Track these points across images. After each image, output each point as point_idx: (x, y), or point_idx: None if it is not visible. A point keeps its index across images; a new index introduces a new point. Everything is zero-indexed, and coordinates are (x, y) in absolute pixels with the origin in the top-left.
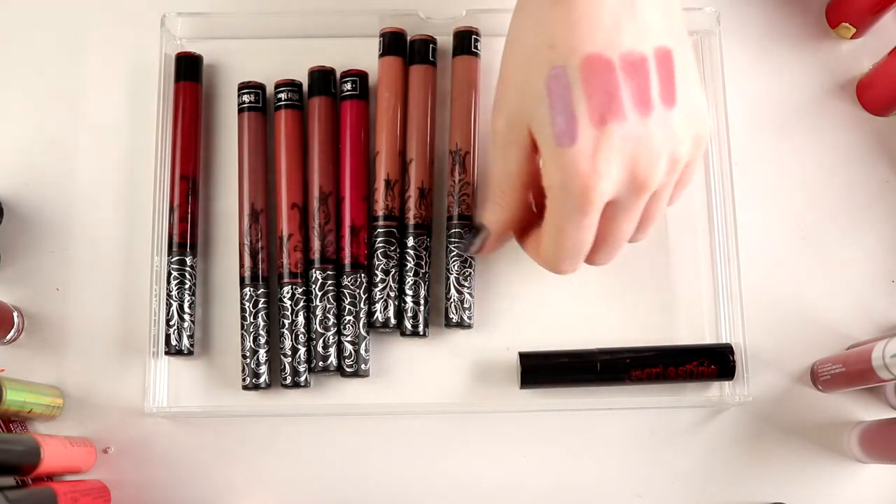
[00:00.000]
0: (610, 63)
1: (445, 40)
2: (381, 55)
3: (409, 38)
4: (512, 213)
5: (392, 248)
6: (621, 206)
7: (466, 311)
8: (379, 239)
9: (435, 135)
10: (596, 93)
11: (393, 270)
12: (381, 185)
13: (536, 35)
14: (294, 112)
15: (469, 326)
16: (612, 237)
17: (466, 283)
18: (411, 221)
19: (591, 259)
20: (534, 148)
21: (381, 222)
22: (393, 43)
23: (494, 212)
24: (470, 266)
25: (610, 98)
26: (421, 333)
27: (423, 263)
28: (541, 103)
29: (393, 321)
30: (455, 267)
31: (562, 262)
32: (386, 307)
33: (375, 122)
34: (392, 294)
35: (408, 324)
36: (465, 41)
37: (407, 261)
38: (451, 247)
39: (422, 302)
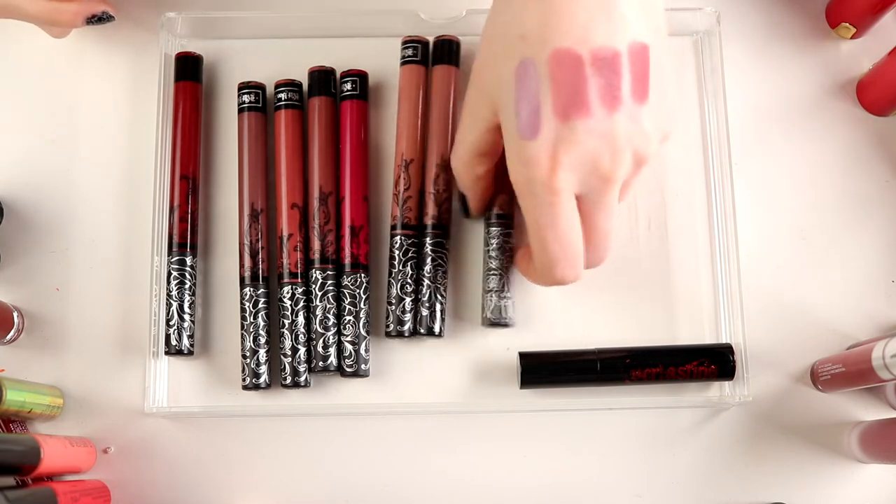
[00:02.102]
0: (579, 58)
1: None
2: (404, 63)
3: (432, 40)
4: (471, 177)
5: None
6: (592, 202)
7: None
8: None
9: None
10: (562, 88)
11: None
12: (414, 193)
13: (511, 24)
14: (294, 112)
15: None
16: (593, 234)
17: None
18: (430, 222)
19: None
20: (496, 128)
21: (399, 230)
22: (417, 51)
23: (458, 175)
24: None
25: (575, 93)
26: (437, 333)
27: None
28: (508, 93)
29: (437, 328)
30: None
31: (556, 265)
32: (427, 313)
33: (399, 129)
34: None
35: (432, 326)
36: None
37: (426, 263)
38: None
39: (440, 302)
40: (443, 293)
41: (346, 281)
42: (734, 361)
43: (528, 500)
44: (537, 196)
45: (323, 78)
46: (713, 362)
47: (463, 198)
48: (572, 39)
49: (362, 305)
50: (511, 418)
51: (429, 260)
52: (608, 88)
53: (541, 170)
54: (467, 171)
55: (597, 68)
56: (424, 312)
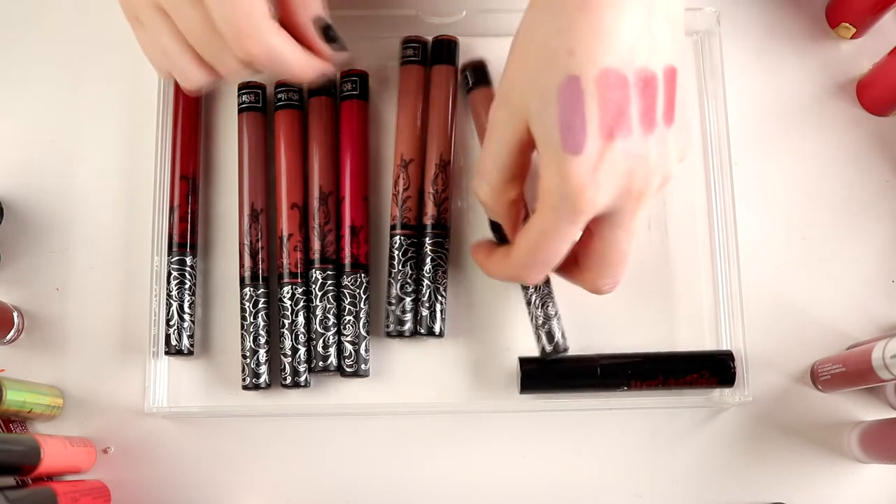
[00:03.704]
0: (624, 79)
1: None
2: (404, 63)
3: (431, 39)
4: (504, 206)
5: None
6: (616, 222)
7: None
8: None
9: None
10: (608, 107)
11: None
12: (414, 193)
13: (556, 38)
14: (294, 112)
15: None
16: (614, 253)
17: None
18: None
19: (597, 284)
20: (528, 145)
21: (398, 230)
22: (417, 51)
23: (489, 207)
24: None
25: (620, 113)
26: (437, 333)
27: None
28: (549, 106)
29: (437, 329)
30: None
31: (532, 267)
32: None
33: (399, 129)
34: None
35: (432, 326)
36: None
37: (425, 264)
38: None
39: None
40: (443, 293)
41: (346, 281)
42: (734, 369)
43: (528, 500)
44: (561, 209)
45: None
46: (713, 374)
47: (496, 226)
48: (619, 59)
49: (362, 305)
50: (511, 418)
51: (428, 260)
52: (647, 110)
53: (578, 186)
54: (499, 199)
55: (638, 89)
56: (424, 312)
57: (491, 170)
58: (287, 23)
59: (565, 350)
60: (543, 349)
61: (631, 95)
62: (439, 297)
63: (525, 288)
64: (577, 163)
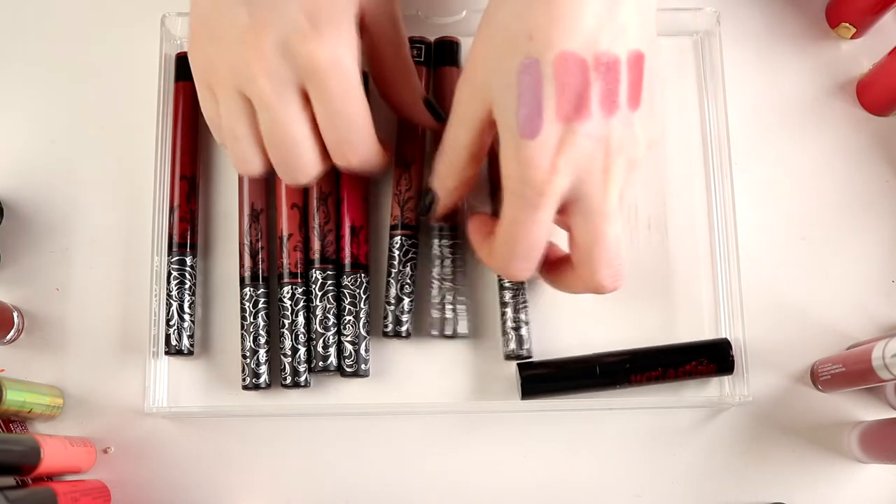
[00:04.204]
0: (584, 62)
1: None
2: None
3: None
4: (456, 181)
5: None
6: (587, 207)
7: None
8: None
9: None
10: (566, 90)
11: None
12: (415, 194)
13: (516, 21)
14: None
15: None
16: (602, 241)
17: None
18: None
19: (597, 280)
20: (489, 126)
21: (399, 230)
22: (420, 51)
23: (441, 177)
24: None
25: (579, 97)
26: (464, 334)
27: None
28: (509, 90)
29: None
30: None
31: (514, 260)
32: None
33: (400, 130)
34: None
35: (449, 329)
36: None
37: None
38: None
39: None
40: (462, 293)
41: (346, 281)
42: (732, 356)
43: (528, 500)
44: (524, 196)
45: None
46: (712, 361)
47: (431, 197)
48: (578, 43)
49: (362, 305)
50: (511, 418)
51: (448, 262)
52: (608, 94)
53: (537, 171)
54: (456, 176)
55: (599, 73)
56: (449, 315)
57: (453, 146)
58: (393, 102)
59: (529, 357)
60: (512, 351)
61: (591, 79)
62: (459, 298)
63: (502, 289)
64: (534, 147)
